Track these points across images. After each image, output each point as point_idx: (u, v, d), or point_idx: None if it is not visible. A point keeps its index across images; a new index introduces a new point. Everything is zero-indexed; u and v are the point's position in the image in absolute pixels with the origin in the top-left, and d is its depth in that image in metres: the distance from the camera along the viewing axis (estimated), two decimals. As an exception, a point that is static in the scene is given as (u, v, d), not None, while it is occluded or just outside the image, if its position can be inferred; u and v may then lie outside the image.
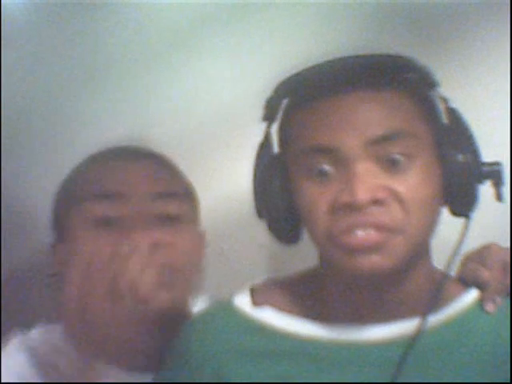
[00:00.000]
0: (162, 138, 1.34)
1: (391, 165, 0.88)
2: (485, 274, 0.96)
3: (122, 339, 1.03)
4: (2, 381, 1.03)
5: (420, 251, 0.93)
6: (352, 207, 0.86)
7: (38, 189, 1.43)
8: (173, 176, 1.12)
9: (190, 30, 1.43)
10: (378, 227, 0.87)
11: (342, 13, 1.39)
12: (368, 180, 0.86)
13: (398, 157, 0.87)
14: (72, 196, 1.10)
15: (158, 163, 1.12)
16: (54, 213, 1.14)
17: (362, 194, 0.85)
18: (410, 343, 0.91)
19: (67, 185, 1.13)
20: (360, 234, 0.86)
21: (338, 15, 1.39)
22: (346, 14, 1.39)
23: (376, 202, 0.86)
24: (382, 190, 0.87)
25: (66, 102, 1.44)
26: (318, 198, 0.89)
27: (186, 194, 1.10)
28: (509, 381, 0.92)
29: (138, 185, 1.06)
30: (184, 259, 1.05)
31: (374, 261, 0.87)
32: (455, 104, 0.95)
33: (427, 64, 0.94)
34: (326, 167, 0.88)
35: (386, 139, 0.87)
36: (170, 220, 1.05)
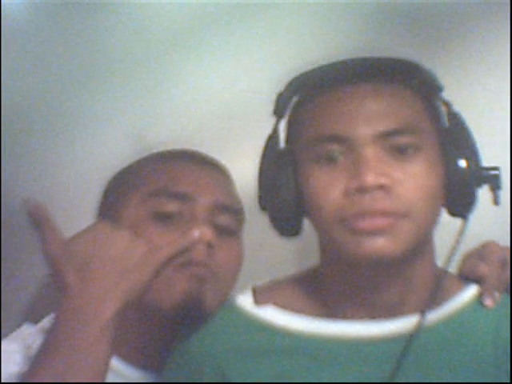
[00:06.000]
0: (161, 137, 1.35)
1: (398, 153, 0.91)
2: (483, 269, 0.98)
3: (136, 335, 1.05)
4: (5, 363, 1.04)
5: (423, 242, 0.94)
6: (360, 191, 0.88)
7: (38, 189, 1.44)
8: (234, 190, 1.13)
9: (190, 30, 1.43)
10: (385, 213, 0.89)
11: (342, 13, 1.39)
12: (376, 165, 0.89)
13: (405, 147, 0.91)
14: (134, 186, 1.10)
15: (224, 175, 1.14)
16: (107, 199, 1.14)
17: (371, 177, 0.88)
18: (407, 340, 0.92)
19: (129, 175, 1.13)
20: (368, 218, 0.89)
21: (338, 15, 1.39)
22: (346, 14, 1.39)
23: (382, 187, 0.88)
24: (388, 177, 0.89)
25: (66, 101, 1.44)
26: (328, 183, 0.91)
27: (240, 210, 1.12)
28: (509, 381, 0.92)
29: (206, 191, 1.07)
30: (225, 269, 1.06)
31: (380, 244, 0.88)
32: (455, 105, 0.96)
33: (427, 64, 0.95)
34: (336, 153, 0.91)
35: (396, 133, 0.91)
36: (222, 231, 1.07)
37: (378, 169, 0.89)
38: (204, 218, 1.05)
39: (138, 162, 1.15)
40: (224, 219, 1.07)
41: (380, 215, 0.89)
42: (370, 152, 0.90)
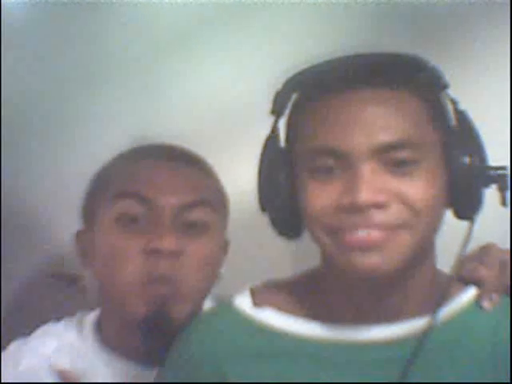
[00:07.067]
0: (161, 137, 1.35)
1: (397, 168, 0.88)
2: (482, 272, 0.97)
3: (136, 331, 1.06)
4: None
5: (424, 252, 0.93)
6: (354, 208, 0.86)
7: (38, 189, 1.44)
8: (208, 183, 1.12)
9: (190, 30, 1.43)
10: (380, 228, 0.87)
11: (342, 13, 1.39)
12: (372, 182, 0.86)
13: (404, 161, 0.88)
14: (105, 188, 1.10)
15: (196, 168, 1.12)
16: (85, 201, 1.15)
17: (365, 195, 0.85)
18: (419, 342, 0.91)
19: (102, 176, 1.14)
20: (361, 233, 0.87)
21: (338, 15, 1.39)
22: (346, 14, 1.39)
23: (377, 204, 0.86)
24: (384, 193, 0.87)
25: (66, 102, 1.44)
26: (321, 195, 0.89)
27: (217, 203, 1.11)
28: (509, 381, 0.92)
29: (170, 191, 1.06)
30: (199, 269, 1.06)
31: (373, 261, 0.87)
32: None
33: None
34: (331, 165, 0.89)
35: (394, 147, 0.88)
36: (196, 227, 1.07)
37: (373, 185, 0.86)
38: (170, 220, 1.05)
39: (109, 162, 1.15)
40: (194, 215, 1.06)
41: (373, 228, 0.86)
42: (366, 168, 0.87)
